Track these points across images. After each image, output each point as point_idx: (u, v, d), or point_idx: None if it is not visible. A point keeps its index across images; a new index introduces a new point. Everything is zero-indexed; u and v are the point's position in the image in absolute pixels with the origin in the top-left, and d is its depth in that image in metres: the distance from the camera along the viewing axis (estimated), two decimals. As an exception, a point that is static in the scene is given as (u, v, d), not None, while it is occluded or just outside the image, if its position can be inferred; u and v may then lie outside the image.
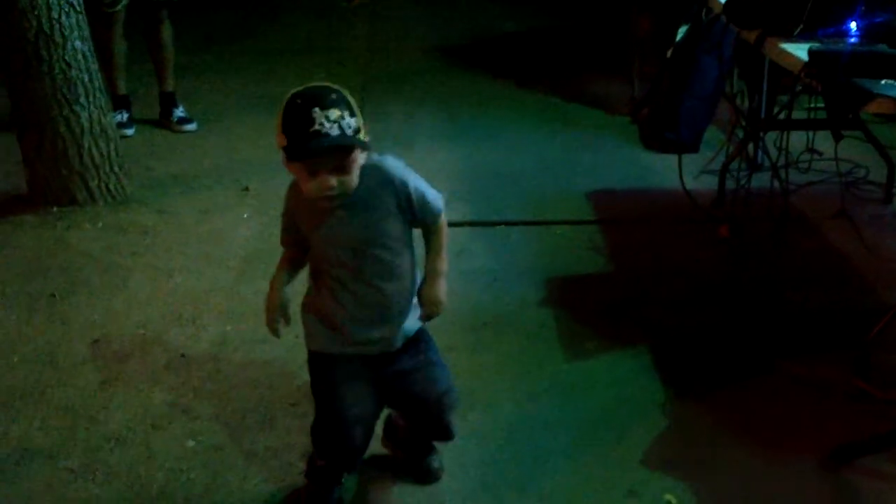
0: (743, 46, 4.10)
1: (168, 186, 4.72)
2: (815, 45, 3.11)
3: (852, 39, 3.23)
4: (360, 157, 2.22)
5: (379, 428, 2.61)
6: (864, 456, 2.67)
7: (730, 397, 3.02)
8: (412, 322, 2.43)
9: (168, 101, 5.60)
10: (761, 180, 4.07)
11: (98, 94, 4.40)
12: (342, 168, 2.18)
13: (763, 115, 4.49)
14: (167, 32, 5.45)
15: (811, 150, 4.68)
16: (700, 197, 4.37)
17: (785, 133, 4.27)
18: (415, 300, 2.41)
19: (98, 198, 4.46)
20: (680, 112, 5.10)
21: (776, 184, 3.77)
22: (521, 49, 7.34)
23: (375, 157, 2.30)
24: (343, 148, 2.15)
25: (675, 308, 3.54)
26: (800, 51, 3.15)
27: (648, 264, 3.90)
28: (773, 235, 3.84)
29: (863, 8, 3.22)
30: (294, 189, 2.34)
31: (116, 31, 5.26)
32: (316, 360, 2.46)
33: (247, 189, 4.64)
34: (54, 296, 3.65)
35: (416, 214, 2.34)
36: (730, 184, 4.29)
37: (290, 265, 2.45)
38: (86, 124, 4.35)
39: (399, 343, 2.43)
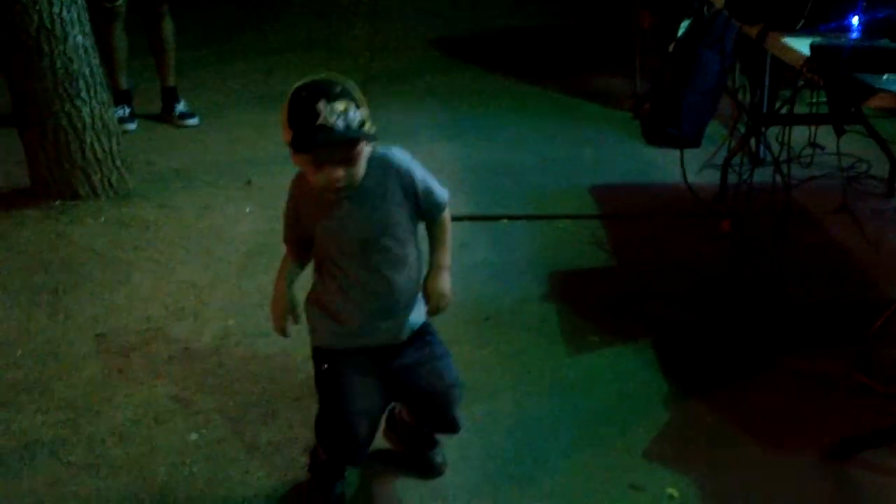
0: (745, 41, 4.10)
1: (170, 181, 4.72)
2: (817, 39, 3.10)
3: (854, 34, 3.22)
4: (367, 149, 2.22)
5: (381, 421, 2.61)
6: (866, 450, 2.67)
7: (731, 392, 3.02)
8: (418, 315, 2.44)
9: (169, 96, 5.60)
10: (763, 175, 4.07)
11: (100, 89, 4.41)
12: (348, 160, 2.18)
13: (765, 110, 4.49)
14: (168, 27, 5.44)
15: (813, 145, 4.68)
16: (702, 191, 4.37)
17: (787, 128, 4.26)
18: (420, 294, 2.42)
19: (100, 192, 4.46)
20: (682, 107, 5.09)
21: (778, 178, 3.77)
22: (522, 45, 7.34)
23: (382, 148, 2.31)
24: (349, 140, 2.16)
25: (677, 303, 3.54)
26: (802, 45, 3.15)
27: (650, 259, 3.90)
28: (774, 230, 3.84)
29: (864, 3, 3.22)
30: (298, 182, 2.34)
31: (118, 26, 5.26)
32: (321, 356, 2.45)
33: (249, 183, 4.64)
34: (57, 290, 3.65)
35: (422, 206, 2.35)
36: (732, 178, 4.29)
37: (294, 263, 2.45)
38: (87, 119, 4.35)
39: (405, 335, 2.43)
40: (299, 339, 2.56)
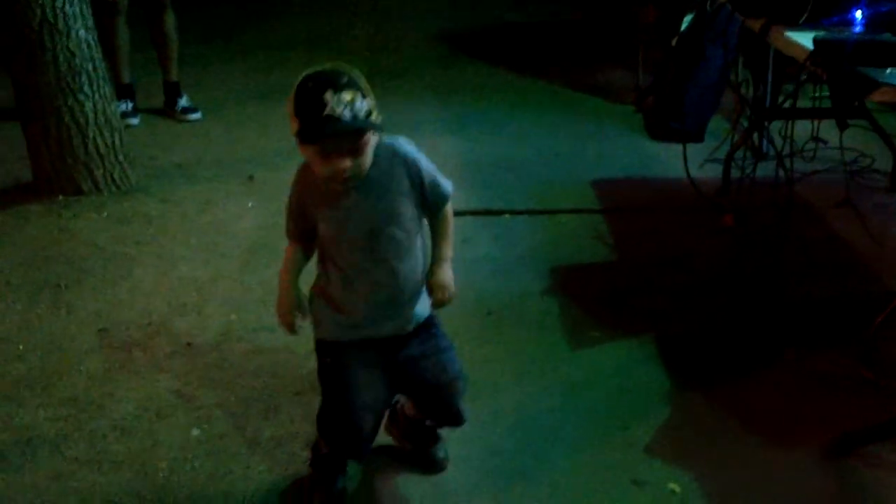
0: (748, 35, 4.09)
1: (172, 176, 4.73)
2: (820, 33, 3.10)
3: (857, 28, 3.22)
4: (373, 139, 2.22)
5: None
6: (868, 445, 2.67)
7: (734, 386, 3.02)
8: (423, 307, 2.43)
9: (172, 91, 5.60)
10: (766, 169, 4.06)
11: (102, 84, 4.41)
12: (355, 151, 2.17)
13: (768, 104, 4.48)
14: (170, 22, 5.44)
15: (816, 139, 4.67)
16: (704, 186, 4.36)
17: (790, 122, 4.25)
18: (424, 286, 2.41)
19: (103, 187, 4.46)
20: (685, 101, 5.08)
21: (781, 173, 3.76)
22: (524, 39, 7.34)
23: (387, 138, 2.30)
24: (356, 131, 2.15)
25: (679, 297, 3.54)
26: (805, 39, 3.14)
27: (652, 253, 3.90)
28: (777, 224, 3.83)
29: (867, -3, 3.22)
30: (303, 173, 2.33)
31: (120, 21, 5.27)
32: (325, 349, 2.45)
33: (251, 178, 4.64)
34: (59, 285, 3.66)
35: (427, 197, 2.35)
36: (734, 173, 4.29)
37: (298, 258, 2.44)
38: (90, 114, 4.35)
39: (411, 326, 2.43)
40: (302, 335, 2.56)
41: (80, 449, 2.75)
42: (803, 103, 4.61)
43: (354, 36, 7.35)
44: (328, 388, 2.45)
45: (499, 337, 3.30)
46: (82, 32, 4.27)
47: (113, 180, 4.49)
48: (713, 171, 4.54)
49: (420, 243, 2.39)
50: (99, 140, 4.41)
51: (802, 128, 4.59)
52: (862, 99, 3.10)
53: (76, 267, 3.80)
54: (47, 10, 4.14)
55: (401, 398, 2.64)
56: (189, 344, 3.27)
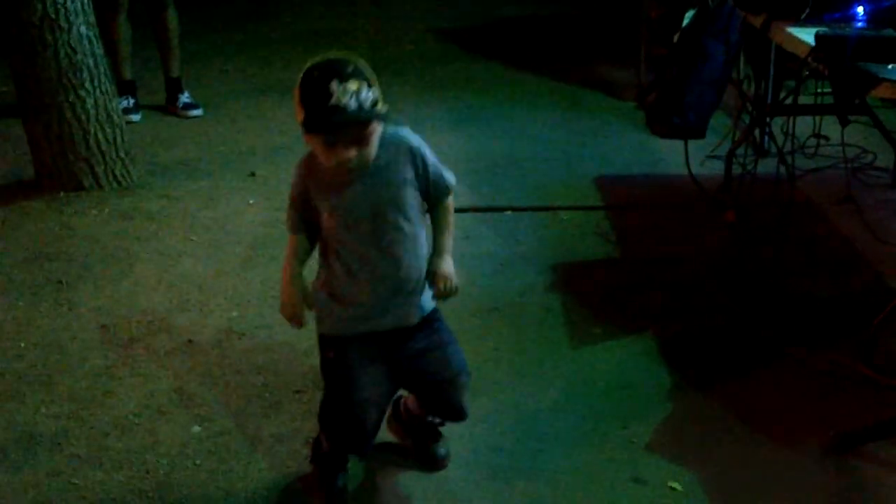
0: (749, 31, 4.08)
1: (174, 172, 4.73)
2: (822, 29, 3.09)
3: (859, 24, 3.21)
4: (379, 128, 2.22)
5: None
6: (869, 443, 2.67)
7: (734, 384, 3.02)
8: (427, 300, 2.43)
9: (174, 87, 5.59)
10: (768, 166, 4.05)
11: (104, 80, 4.40)
12: (361, 140, 2.18)
13: (769, 100, 4.47)
14: (172, 17, 5.44)
15: (818, 136, 4.67)
16: (706, 182, 4.36)
17: (791, 118, 4.25)
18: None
19: (104, 183, 4.46)
20: (687, 97, 5.07)
21: (782, 169, 3.75)
22: (526, 35, 7.32)
23: (393, 127, 2.31)
24: (362, 121, 2.15)
25: (681, 294, 3.54)
26: (806, 35, 3.14)
27: (654, 250, 3.90)
28: (779, 221, 3.82)
29: (869, -8, 3.21)
30: (307, 162, 2.32)
31: (121, 16, 5.26)
32: (328, 343, 2.44)
33: (253, 175, 4.64)
34: (61, 282, 3.66)
35: (431, 187, 2.36)
36: (736, 169, 4.27)
37: (301, 248, 2.43)
38: (91, 110, 4.35)
39: (415, 318, 2.42)
40: (303, 331, 2.56)
41: (80, 446, 2.75)
42: (805, 100, 4.60)
43: (354, 33, 7.34)
44: (331, 382, 2.45)
45: (500, 334, 3.30)
46: (84, 28, 4.27)
47: (114, 177, 4.49)
48: (715, 168, 4.53)
49: (424, 234, 2.39)
50: (100, 136, 4.41)
51: (804, 124, 4.59)
52: (864, 95, 3.10)
53: (77, 263, 3.80)
54: (48, 6, 4.13)
55: (404, 394, 2.64)
56: (190, 341, 3.27)
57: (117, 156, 4.48)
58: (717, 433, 2.78)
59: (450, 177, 2.41)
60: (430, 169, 2.35)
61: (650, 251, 3.89)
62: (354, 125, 2.15)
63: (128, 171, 4.54)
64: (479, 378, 2.90)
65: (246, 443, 2.75)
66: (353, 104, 2.11)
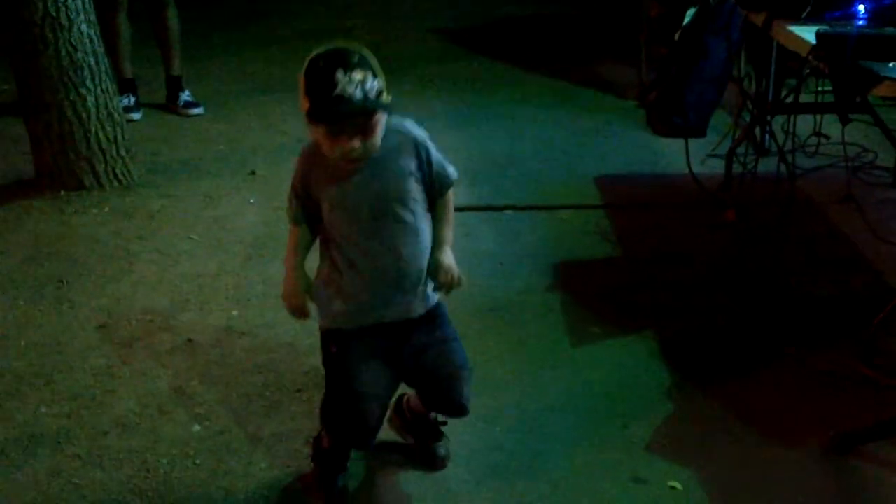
0: (750, 29, 4.08)
1: (175, 171, 4.72)
2: (823, 27, 3.09)
3: (860, 22, 3.21)
4: (383, 119, 2.21)
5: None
6: (869, 443, 2.66)
7: (734, 383, 3.01)
8: (430, 293, 2.43)
9: (175, 85, 5.59)
10: (768, 164, 4.05)
11: (104, 78, 4.40)
12: (365, 131, 2.17)
13: (770, 99, 4.47)
14: (172, 16, 5.44)
15: (818, 134, 4.66)
16: (707, 181, 4.36)
17: (792, 117, 4.25)
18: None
19: (105, 182, 4.46)
20: (687, 96, 5.08)
21: (783, 168, 3.75)
22: (526, 34, 7.32)
23: (396, 118, 2.30)
24: (367, 111, 2.15)
25: (681, 293, 3.53)
26: (807, 33, 3.14)
27: (654, 249, 3.90)
28: (779, 220, 3.82)
29: (870, -10, 3.21)
30: (309, 152, 2.31)
31: (122, 15, 5.26)
32: (331, 337, 2.43)
33: (253, 173, 4.64)
34: (61, 281, 3.66)
35: (433, 180, 2.35)
36: (737, 168, 4.27)
37: (303, 239, 2.42)
38: (92, 108, 4.35)
39: (418, 311, 2.41)
40: (303, 330, 2.57)
41: (81, 445, 2.75)
42: (806, 98, 4.60)
43: (355, 33, 7.33)
44: (333, 377, 2.44)
45: (500, 332, 3.30)
46: (84, 27, 4.27)
47: (115, 175, 4.49)
48: (715, 167, 4.53)
49: (426, 225, 2.38)
50: (101, 135, 4.41)
51: (805, 123, 4.58)
52: (865, 93, 3.09)
53: (78, 262, 3.80)
54: (49, 5, 4.13)
55: (407, 391, 2.64)
56: (190, 340, 3.27)
57: (118, 154, 4.48)
58: (717, 433, 2.77)
59: (452, 171, 2.41)
60: (434, 161, 2.34)
61: (650, 250, 3.89)
62: (359, 115, 2.15)
63: (128, 170, 4.54)
64: (479, 378, 2.88)
65: (246, 442, 2.75)
66: (358, 94, 2.11)
